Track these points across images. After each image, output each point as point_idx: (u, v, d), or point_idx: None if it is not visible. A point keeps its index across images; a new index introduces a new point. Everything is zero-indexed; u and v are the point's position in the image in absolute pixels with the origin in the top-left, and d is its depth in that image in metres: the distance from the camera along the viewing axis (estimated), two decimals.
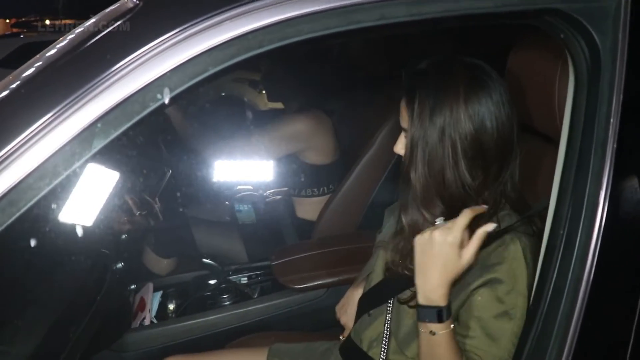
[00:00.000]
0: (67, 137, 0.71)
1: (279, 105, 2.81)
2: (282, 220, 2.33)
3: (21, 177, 0.71)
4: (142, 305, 1.89)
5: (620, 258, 0.90)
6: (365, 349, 1.26)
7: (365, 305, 1.30)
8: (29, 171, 0.71)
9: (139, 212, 1.90)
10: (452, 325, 0.99)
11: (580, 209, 0.89)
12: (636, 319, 0.89)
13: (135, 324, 1.86)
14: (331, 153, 2.25)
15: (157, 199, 2.03)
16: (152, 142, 2.20)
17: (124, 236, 1.84)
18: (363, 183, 2.13)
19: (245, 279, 2.08)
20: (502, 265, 1.02)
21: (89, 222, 1.22)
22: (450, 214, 1.04)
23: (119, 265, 1.69)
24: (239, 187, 2.42)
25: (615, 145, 0.87)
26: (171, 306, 1.96)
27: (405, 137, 1.09)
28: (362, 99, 2.43)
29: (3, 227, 0.72)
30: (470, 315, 1.03)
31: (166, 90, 0.73)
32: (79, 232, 1.25)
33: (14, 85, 0.75)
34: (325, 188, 2.26)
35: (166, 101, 0.74)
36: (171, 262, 2.22)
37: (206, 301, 1.96)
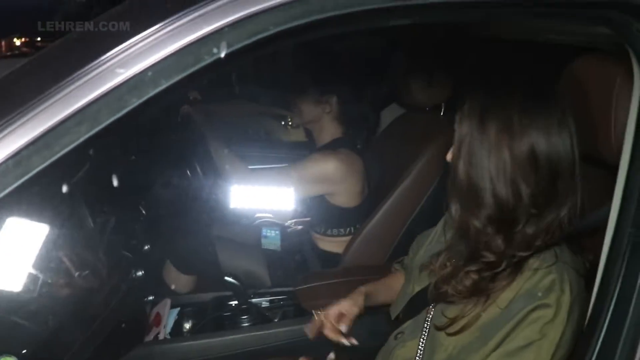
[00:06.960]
0: (116, 82, 0.67)
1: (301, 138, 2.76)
2: (307, 249, 2.25)
3: (58, 121, 0.67)
4: (158, 320, 1.80)
5: None
6: None
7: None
8: (68, 114, 0.67)
9: (78, 273, 1.42)
10: None
11: None
12: None
13: (149, 338, 1.77)
14: (360, 194, 2.13)
15: (100, 254, 1.53)
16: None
17: (147, 247, 1.77)
18: (395, 215, 2.04)
19: (267, 303, 1.98)
20: (551, 293, 0.96)
21: (17, 287, 1.02)
22: (497, 227, 1.00)
23: (139, 273, 1.62)
24: (257, 215, 2.34)
25: None
26: (187, 325, 1.88)
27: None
28: (396, 128, 2.38)
29: (32, 174, 0.67)
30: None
31: (223, 44, 0.69)
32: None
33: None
34: (352, 228, 2.14)
35: (222, 55, 0.69)
36: (191, 280, 2.14)
37: (224, 321, 1.86)
